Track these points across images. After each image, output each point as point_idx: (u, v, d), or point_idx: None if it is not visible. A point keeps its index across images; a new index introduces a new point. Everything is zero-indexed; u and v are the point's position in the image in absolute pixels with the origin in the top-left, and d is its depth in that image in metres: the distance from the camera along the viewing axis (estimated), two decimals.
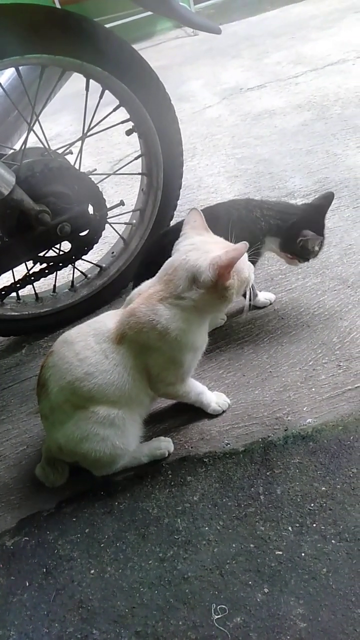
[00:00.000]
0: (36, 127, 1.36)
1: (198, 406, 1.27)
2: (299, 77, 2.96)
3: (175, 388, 1.16)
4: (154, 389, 1.14)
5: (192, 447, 1.23)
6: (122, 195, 2.24)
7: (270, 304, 1.56)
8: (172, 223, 1.65)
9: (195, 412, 1.29)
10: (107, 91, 1.39)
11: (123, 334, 1.07)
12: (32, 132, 1.34)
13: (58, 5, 3.98)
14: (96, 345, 1.07)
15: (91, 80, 1.35)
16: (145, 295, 1.07)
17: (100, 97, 1.37)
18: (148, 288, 1.09)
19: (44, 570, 1.07)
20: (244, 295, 1.35)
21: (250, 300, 1.28)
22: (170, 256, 1.36)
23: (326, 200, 1.39)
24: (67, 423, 1.08)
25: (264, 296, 1.55)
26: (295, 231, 1.35)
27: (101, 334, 1.08)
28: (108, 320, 1.12)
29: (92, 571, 1.05)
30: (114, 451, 1.10)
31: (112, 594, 1.00)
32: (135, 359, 1.08)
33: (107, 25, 4.00)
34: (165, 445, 1.22)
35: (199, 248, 1.05)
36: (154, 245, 1.45)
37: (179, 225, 1.41)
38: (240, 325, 1.52)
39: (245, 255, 1.08)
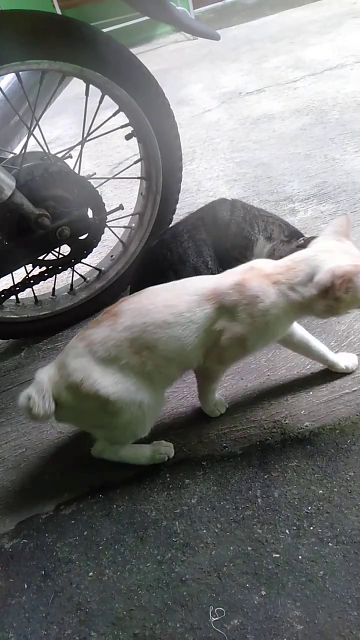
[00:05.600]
0: (36, 132, 1.37)
1: (202, 400, 1.27)
2: (297, 81, 2.98)
3: (221, 368, 1.17)
4: (206, 358, 1.12)
5: (190, 450, 1.24)
6: (122, 198, 2.25)
7: None
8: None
9: (193, 415, 1.30)
10: (106, 96, 1.40)
11: (218, 296, 1.06)
12: (32, 136, 1.35)
13: (58, 9, 4.00)
14: (186, 296, 1.07)
15: (91, 85, 1.36)
16: (260, 273, 1.06)
17: (100, 102, 1.38)
18: (264, 266, 1.08)
19: (43, 572, 1.08)
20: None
21: None
22: (167, 259, 1.38)
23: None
24: (114, 363, 1.06)
25: None
26: (296, 236, 1.38)
27: (195, 288, 1.09)
28: (206, 279, 1.12)
29: (91, 574, 1.05)
30: (136, 416, 1.08)
31: (111, 596, 1.01)
32: (214, 324, 1.06)
33: (106, 30, 4.03)
34: (165, 450, 1.23)
35: (332, 252, 1.04)
36: (153, 248, 1.47)
37: (177, 229, 1.44)
38: None
39: None
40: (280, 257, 1.42)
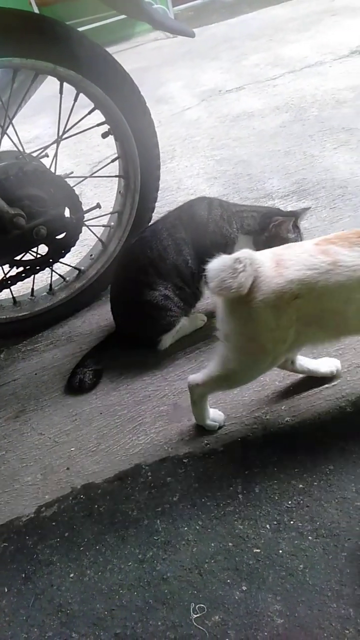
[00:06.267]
0: (11, 131, 1.35)
1: None
2: (276, 79, 2.99)
3: None
4: None
5: (172, 448, 1.24)
6: (102, 197, 2.23)
7: None
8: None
9: (175, 413, 1.30)
10: (82, 94, 1.39)
11: None
12: (6, 135, 1.34)
13: (35, 7, 3.96)
14: None
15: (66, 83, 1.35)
16: None
17: (75, 100, 1.37)
18: None
19: (23, 575, 1.07)
20: None
21: None
22: (147, 256, 1.37)
23: (303, 212, 1.44)
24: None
25: None
26: (267, 220, 1.38)
27: None
28: None
29: (72, 575, 1.05)
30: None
31: (92, 596, 1.00)
32: None
33: (85, 27, 4.01)
34: (219, 418, 1.24)
35: None
36: (133, 246, 1.46)
37: (157, 227, 1.43)
38: None
39: None
40: (263, 248, 1.43)
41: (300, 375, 1.32)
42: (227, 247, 1.43)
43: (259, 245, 1.43)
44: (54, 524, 1.14)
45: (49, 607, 1.00)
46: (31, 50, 1.23)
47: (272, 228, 1.37)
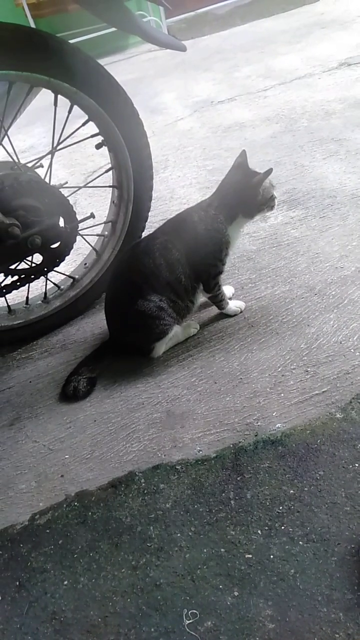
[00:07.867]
0: (6, 142, 1.37)
1: None
2: (267, 90, 3.04)
3: None
4: None
5: (165, 455, 1.25)
6: (96, 206, 2.26)
7: (241, 312, 1.59)
8: (144, 234, 1.68)
9: (168, 420, 1.31)
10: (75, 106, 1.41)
11: None
12: (0, 146, 1.35)
13: (30, 18, 4.01)
14: None
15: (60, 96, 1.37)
16: None
17: (69, 112, 1.39)
18: None
19: (17, 583, 1.07)
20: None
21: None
22: (141, 272, 1.39)
23: (241, 157, 1.50)
24: None
25: (234, 304, 1.59)
26: (249, 191, 1.41)
27: None
28: None
29: (66, 582, 1.05)
30: None
31: (85, 604, 1.01)
32: None
33: (79, 39, 4.05)
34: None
35: None
36: (127, 261, 1.48)
37: (148, 246, 1.43)
38: (212, 333, 1.55)
39: None
40: (257, 214, 1.45)
41: (292, 382, 1.34)
42: (221, 252, 1.45)
43: (252, 215, 1.46)
44: (48, 531, 1.15)
45: (43, 614, 1.01)
46: (26, 63, 1.25)
47: (261, 193, 1.42)
